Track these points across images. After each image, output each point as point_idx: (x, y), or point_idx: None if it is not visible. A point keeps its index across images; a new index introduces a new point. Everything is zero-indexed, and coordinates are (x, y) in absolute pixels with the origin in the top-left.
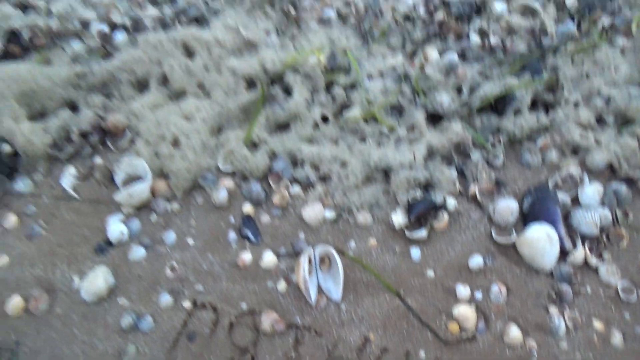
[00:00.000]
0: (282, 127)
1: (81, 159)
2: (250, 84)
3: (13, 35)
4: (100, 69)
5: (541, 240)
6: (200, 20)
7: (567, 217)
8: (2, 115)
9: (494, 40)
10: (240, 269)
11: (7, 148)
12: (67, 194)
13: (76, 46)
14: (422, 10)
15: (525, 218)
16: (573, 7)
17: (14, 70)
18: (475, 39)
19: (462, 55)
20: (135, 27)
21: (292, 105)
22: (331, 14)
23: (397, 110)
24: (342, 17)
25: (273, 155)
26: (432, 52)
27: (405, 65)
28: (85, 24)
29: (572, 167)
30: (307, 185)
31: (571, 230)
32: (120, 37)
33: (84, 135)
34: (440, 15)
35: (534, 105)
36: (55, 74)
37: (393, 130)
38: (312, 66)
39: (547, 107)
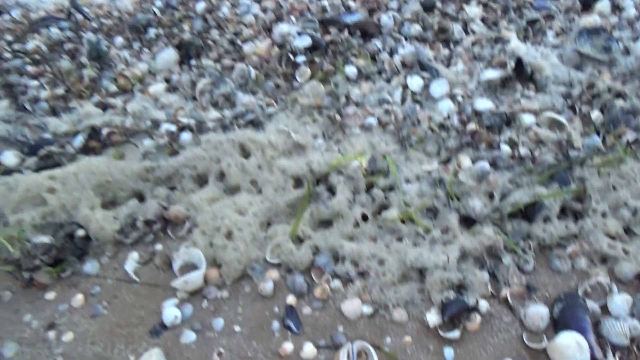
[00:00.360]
0: (325, 223)
1: (144, 245)
2: (298, 182)
3: (94, 132)
4: (167, 164)
5: (571, 348)
6: (255, 124)
7: (597, 326)
8: (80, 204)
9: (523, 150)
10: (282, 358)
11: (80, 232)
12: (129, 277)
13: (147, 143)
14: (455, 120)
15: (556, 324)
16: (598, 121)
17: (93, 164)
18: (505, 148)
19: (493, 164)
20: (199, 128)
21: (335, 204)
22: (372, 121)
23: (432, 213)
24: (382, 124)
25: (316, 250)
26: (465, 159)
27: (440, 171)
28: (156, 124)
29: (601, 276)
30: (346, 281)
31: (601, 339)
32: (185, 136)
33: (148, 223)
34: (472, 125)
35: (563, 213)
36: (128, 167)
37: (428, 232)
38: (354, 169)
39: (576, 216)
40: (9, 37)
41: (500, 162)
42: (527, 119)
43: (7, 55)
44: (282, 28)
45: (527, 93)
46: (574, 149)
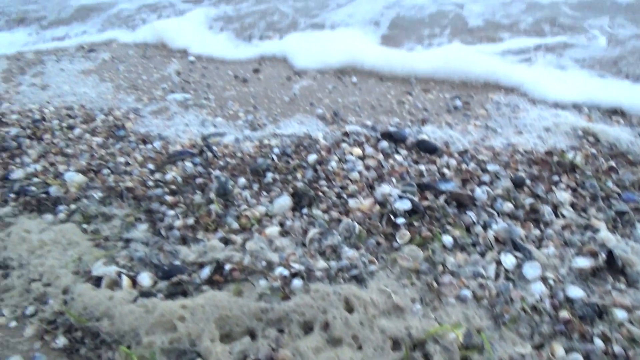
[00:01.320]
0: None
1: None
2: (395, 344)
3: (218, 266)
4: (279, 307)
5: None
6: (359, 279)
7: None
8: (204, 334)
9: (617, 348)
10: None
11: None
12: None
13: (262, 284)
14: (548, 304)
15: None
16: None
17: (217, 298)
18: (599, 343)
19: (587, 357)
20: (308, 276)
21: None
22: (467, 293)
23: None
24: (476, 298)
25: None
26: (559, 348)
27: (533, 356)
28: (270, 265)
29: None
30: None
31: None
32: (296, 283)
33: None
34: (565, 313)
35: None
36: (246, 305)
37: None
38: (451, 340)
39: None
40: (151, 166)
41: (594, 356)
42: (620, 314)
43: (150, 183)
44: (384, 188)
45: (618, 286)
46: None
